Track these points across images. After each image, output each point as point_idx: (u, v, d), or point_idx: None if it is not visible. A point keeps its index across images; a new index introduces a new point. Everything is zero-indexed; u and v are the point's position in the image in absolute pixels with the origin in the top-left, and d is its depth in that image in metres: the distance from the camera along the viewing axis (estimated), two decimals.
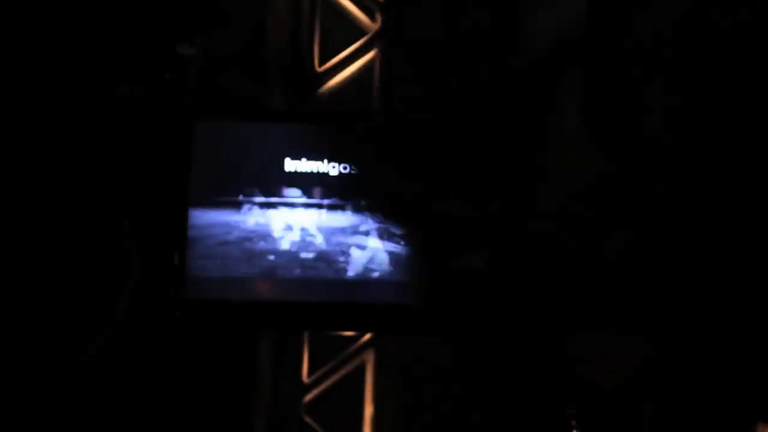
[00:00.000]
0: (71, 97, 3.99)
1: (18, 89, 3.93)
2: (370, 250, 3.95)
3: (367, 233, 3.95)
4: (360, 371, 4.16)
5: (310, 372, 4.13)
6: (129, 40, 4.05)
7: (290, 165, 3.94)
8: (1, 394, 2.79)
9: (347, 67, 4.19)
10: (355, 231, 3.94)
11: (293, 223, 3.92)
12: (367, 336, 4.15)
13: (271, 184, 3.92)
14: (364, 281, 3.93)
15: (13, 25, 3.95)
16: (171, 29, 4.10)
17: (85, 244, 2.97)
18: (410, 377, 4.18)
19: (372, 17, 4.22)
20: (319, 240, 3.93)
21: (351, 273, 3.92)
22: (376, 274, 3.93)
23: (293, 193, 3.93)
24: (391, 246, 3.95)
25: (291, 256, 3.90)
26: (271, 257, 3.89)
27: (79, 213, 3.12)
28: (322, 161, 3.96)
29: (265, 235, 3.91)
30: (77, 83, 4.00)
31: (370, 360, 4.16)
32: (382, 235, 3.95)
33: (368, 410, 4.15)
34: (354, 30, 4.22)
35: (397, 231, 3.95)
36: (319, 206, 3.93)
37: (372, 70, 4.20)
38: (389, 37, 4.19)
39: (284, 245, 3.90)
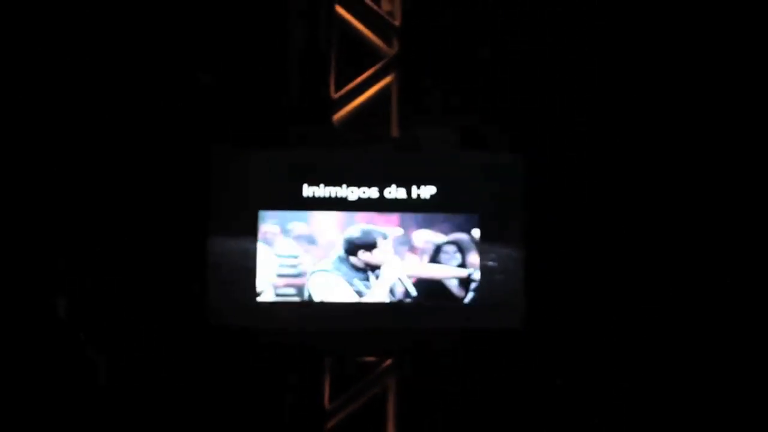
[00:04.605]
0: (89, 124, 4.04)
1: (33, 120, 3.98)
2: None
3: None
4: (382, 397, 4.14)
5: (332, 398, 4.10)
6: (149, 68, 4.07)
7: (308, 191, 3.95)
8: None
9: (364, 93, 4.19)
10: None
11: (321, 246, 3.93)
12: (388, 361, 4.12)
13: (290, 209, 3.93)
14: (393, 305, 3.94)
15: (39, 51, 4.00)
16: (190, 57, 4.12)
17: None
18: (432, 402, 4.15)
19: (389, 42, 4.22)
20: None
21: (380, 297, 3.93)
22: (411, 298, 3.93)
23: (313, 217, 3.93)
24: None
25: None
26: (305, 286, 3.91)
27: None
28: (341, 186, 3.96)
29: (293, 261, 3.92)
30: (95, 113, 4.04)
31: (391, 386, 4.13)
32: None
33: None
34: (371, 55, 4.22)
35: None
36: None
37: (389, 94, 4.20)
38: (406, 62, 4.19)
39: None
